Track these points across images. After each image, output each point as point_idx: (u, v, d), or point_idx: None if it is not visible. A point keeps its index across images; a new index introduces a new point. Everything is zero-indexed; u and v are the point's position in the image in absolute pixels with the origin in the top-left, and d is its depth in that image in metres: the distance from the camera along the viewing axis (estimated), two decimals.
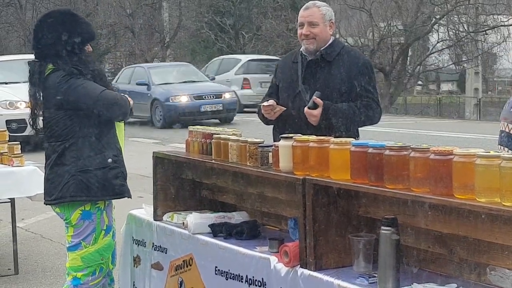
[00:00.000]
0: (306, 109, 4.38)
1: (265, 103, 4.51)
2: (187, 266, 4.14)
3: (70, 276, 4.44)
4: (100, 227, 4.40)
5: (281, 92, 4.63)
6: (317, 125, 4.35)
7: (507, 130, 3.79)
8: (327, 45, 4.54)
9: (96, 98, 4.30)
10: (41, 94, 4.43)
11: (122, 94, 4.55)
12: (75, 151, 4.34)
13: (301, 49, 4.60)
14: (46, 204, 4.54)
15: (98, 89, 4.33)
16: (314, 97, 4.37)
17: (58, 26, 4.39)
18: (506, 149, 3.73)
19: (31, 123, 4.53)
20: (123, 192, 4.45)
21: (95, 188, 4.33)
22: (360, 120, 4.47)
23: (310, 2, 4.60)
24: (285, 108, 4.48)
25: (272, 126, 4.66)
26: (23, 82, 15.69)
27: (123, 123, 4.73)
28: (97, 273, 4.42)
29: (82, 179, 4.31)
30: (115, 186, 4.39)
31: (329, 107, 4.36)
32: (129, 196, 4.52)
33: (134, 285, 4.73)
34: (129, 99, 4.53)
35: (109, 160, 4.38)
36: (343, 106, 4.41)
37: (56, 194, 4.37)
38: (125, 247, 4.75)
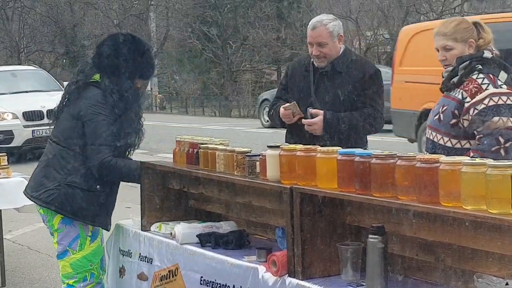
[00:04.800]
0: (304, 120, 4.47)
1: (287, 105, 4.54)
2: (172, 277, 4.12)
3: (65, 284, 4.50)
4: (84, 234, 4.45)
5: (292, 98, 4.66)
6: (325, 135, 4.43)
7: (431, 138, 3.91)
8: (337, 56, 4.60)
9: (90, 141, 4.32)
10: (72, 96, 4.45)
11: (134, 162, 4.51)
12: (71, 163, 4.37)
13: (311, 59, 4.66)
14: (26, 196, 4.54)
15: (102, 138, 4.31)
16: (309, 110, 4.48)
17: (126, 46, 4.42)
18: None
19: (52, 112, 4.60)
20: (97, 222, 4.48)
21: (76, 206, 4.36)
22: (362, 128, 4.54)
23: (317, 20, 4.60)
24: (303, 115, 4.54)
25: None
26: (10, 93, 15.78)
27: None
28: (88, 279, 4.47)
29: (66, 192, 4.35)
30: (91, 212, 4.42)
31: (330, 117, 4.45)
32: (105, 229, 4.55)
33: None
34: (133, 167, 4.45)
35: (98, 186, 4.41)
36: (341, 115, 4.48)
37: (38, 194, 4.40)
38: (112, 258, 4.75)
